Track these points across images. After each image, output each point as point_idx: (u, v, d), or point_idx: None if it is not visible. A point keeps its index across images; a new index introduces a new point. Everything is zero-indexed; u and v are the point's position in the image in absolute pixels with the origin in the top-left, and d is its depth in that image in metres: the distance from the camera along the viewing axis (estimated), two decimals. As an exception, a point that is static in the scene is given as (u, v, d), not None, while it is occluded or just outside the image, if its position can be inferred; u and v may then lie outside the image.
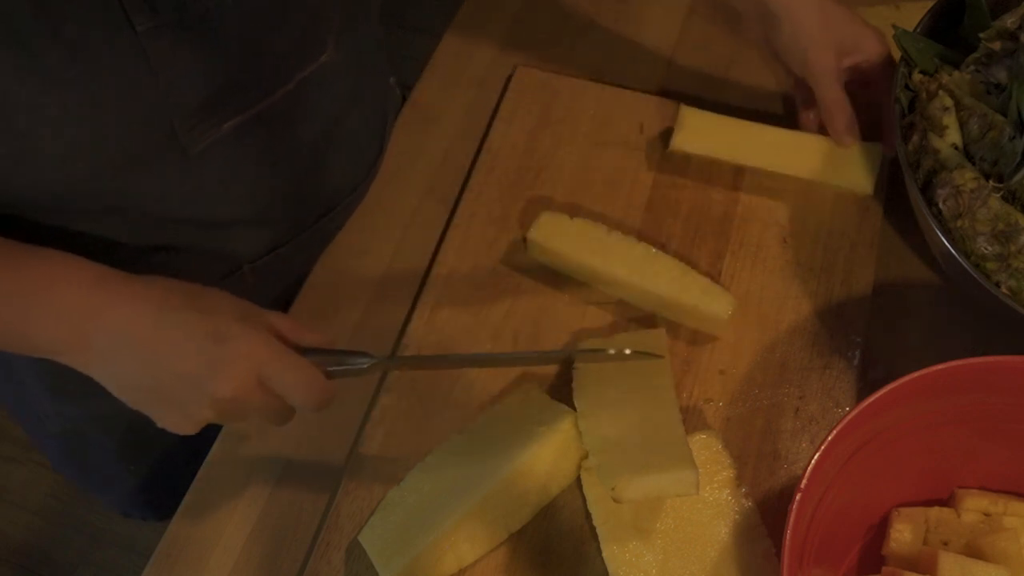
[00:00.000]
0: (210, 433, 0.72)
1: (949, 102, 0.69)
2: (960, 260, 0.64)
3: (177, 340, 0.55)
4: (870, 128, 0.77)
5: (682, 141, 0.80)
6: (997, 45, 0.70)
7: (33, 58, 0.50)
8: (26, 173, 0.57)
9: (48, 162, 0.56)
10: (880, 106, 0.75)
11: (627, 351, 0.66)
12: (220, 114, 0.61)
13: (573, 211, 0.78)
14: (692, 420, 0.70)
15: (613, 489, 0.59)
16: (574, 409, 0.66)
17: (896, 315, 0.75)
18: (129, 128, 0.57)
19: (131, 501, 1.01)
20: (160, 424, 0.59)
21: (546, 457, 0.65)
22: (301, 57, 0.65)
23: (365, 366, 0.60)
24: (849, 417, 0.55)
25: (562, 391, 0.69)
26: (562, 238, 0.74)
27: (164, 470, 0.93)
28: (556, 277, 0.77)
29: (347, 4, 0.68)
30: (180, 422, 0.58)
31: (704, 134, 0.80)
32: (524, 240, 0.76)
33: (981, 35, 0.71)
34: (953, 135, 0.68)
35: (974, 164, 0.67)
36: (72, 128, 0.55)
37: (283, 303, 0.78)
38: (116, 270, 0.57)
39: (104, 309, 0.55)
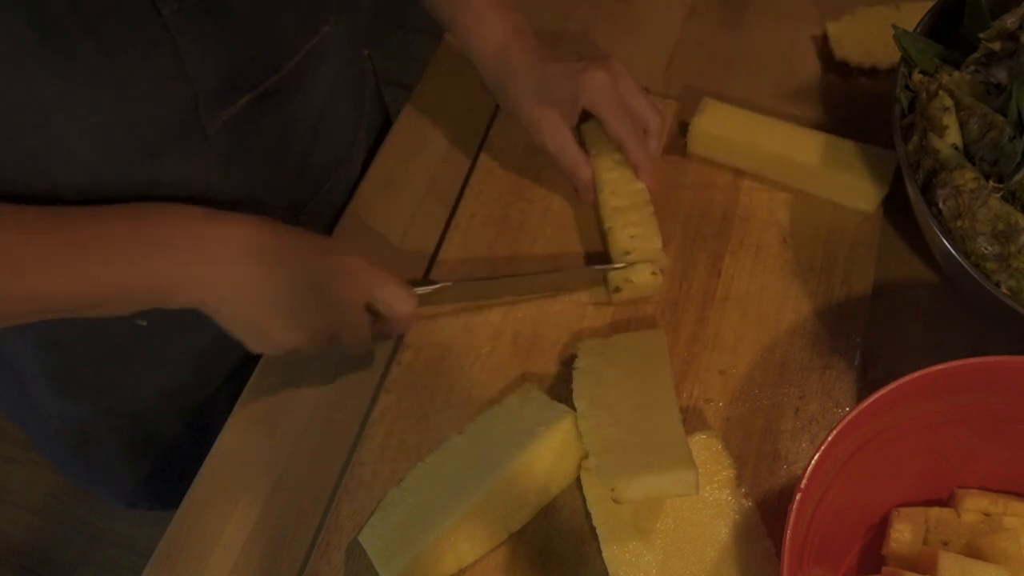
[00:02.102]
0: (215, 424, 0.73)
1: (949, 102, 0.69)
2: (960, 260, 0.64)
3: (298, 249, 0.62)
4: (879, 132, 0.77)
5: (705, 123, 0.80)
6: (997, 45, 0.70)
7: (68, 53, 0.51)
8: (58, 167, 0.58)
9: (78, 154, 0.57)
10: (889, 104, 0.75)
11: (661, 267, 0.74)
12: (237, 91, 0.63)
13: (575, 210, 0.79)
14: (692, 420, 0.70)
15: (613, 490, 0.59)
16: (574, 409, 0.66)
17: (896, 315, 0.75)
18: (157, 113, 0.59)
19: (136, 494, 1.02)
20: (271, 343, 0.63)
21: (546, 457, 0.65)
22: (305, 31, 0.66)
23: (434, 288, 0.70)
24: (849, 417, 0.55)
25: (562, 391, 0.70)
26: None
27: (168, 462, 0.94)
28: (556, 277, 0.77)
29: None
30: (295, 333, 0.62)
31: (725, 124, 0.80)
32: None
33: (981, 35, 0.71)
34: (953, 135, 0.68)
35: (974, 164, 0.67)
36: (103, 119, 0.56)
37: None
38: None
39: (227, 236, 0.60)
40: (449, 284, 0.71)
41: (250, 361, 0.75)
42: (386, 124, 0.93)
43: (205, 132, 0.62)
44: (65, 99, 0.53)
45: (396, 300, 0.65)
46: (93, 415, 0.85)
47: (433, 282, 0.71)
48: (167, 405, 0.87)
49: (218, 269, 0.60)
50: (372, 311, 0.65)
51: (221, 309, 0.61)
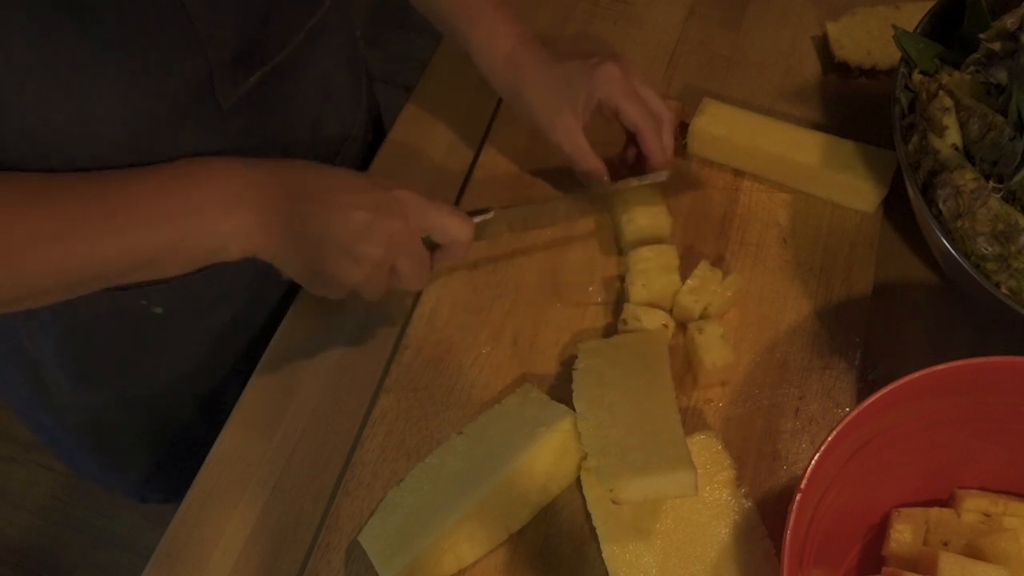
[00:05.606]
0: (225, 410, 0.73)
1: (949, 102, 0.69)
2: (960, 260, 0.64)
3: (346, 185, 0.63)
4: (879, 132, 0.77)
5: (705, 124, 0.80)
6: (997, 45, 0.70)
7: (93, 23, 0.52)
8: (82, 142, 0.58)
9: (100, 128, 0.58)
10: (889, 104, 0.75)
11: (665, 175, 0.76)
12: (249, 66, 0.64)
13: (575, 207, 0.78)
14: (692, 420, 0.70)
15: (611, 490, 0.59)
16: (574, 410, 0.66)
17: (896, 315, 0.75)
18: (174, 86, 0.59)
19: (148, 486, 1.03)
20: (332, 282, 0.63)
21: (546, 457, 0.65)
22: (309, 5, 0.68)
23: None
24: (849, 418, 0.55)
25: (562, 391, 0.70)
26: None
27: (180, 451, 0.95)
28: (556, 277, 0.77)
29: None
30: (354, 269, 0.62)
31: (725, 124, 0.80)
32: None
33: (981, 35, 0.71)
34: (953, 136, 0.68)
35: (974, 165, 0.67)
36: (127, 90, 0.56)
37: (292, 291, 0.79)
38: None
39: (271, 179, 0.61)
40: (497, 210, 0.71)
41: (262, 343, 0.76)
42: (373, 99, 0.94)
43: (220, 108, 0.63)
44: (92, 66, 0.54)
45: (453, 226, 0.66)
46: (110, 402, 0.86)
47: (484, 210, 0.70)
48: (182, 388, 0.88)
49: (260, 213, 0.61)
50: (428, 244, 0.66)
51: (276, 255, 0.62)
